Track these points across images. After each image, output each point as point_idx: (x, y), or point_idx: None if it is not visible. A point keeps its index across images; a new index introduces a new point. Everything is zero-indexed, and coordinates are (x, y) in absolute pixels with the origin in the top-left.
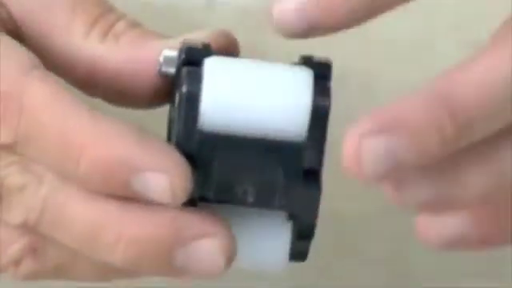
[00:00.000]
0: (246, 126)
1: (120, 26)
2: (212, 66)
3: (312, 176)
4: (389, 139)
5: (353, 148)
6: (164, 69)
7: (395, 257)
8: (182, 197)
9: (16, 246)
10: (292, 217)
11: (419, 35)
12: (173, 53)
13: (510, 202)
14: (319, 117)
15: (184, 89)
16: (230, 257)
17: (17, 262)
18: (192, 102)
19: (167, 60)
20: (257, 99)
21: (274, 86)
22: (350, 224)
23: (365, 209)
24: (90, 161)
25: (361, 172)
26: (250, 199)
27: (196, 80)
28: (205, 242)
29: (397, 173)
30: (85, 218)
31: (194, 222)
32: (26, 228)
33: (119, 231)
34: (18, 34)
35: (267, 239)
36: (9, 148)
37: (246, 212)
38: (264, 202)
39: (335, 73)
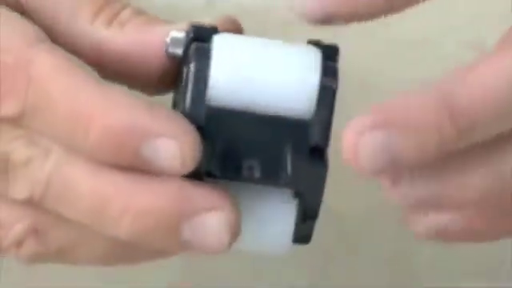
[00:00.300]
0: (253, 101)
1: (125, 13)
2: (221, 42)
3: (318, 153)
4: (387, 135)
5: (351, 142)
6: (171, 49)
7: (397, 257)
8: (191, 164)
9: (18, 226)
10: (297, 195)
11: (420, 34)
12: (180, 34)
13: (503, 202)
14: (326, 95)
15: (193, 64)
16: (235, 233)
17: (19, 244)
18: (200, 76)
19: (174, 41)
20: (265, 75)
21: (282, 62)
22: (352, 223)
23: (367, 208)
24: (100, 130)
25: (358, 165)
26: (257, 175)
27: (205, 55)
28: (211, 216)
29: (394, 169)
30: (91, 190)
31: (201, 194)
32: (31, 205)
33: (126, 203)
34: (24, 16)
35: (272, 219)
36: (15, 121)
37: (251, 190)
38: (270, 178)
39: None
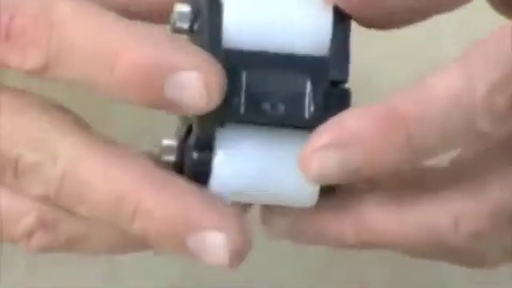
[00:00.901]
0: (269, 42)
1: None
2: None
3: (339, 88)
4: (342, 154)
5: (308, 160)
6: (178, 24)
7: (398, 257)
8: (217, 97)
9: (28, 218)
10: None
11: (420, 33)
12: (186, 8)
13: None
14: (341, 29)
15: (205, 11)
16: (239, 254)
17: (29, 236)
18: (214, 22)
19: (181, 16)
20: (278, 15)
21: (295, 2)
22: None
23: None
24: (126, 65)
25: (316, 182)
26: (280, 112)
27: (216, 3)
28: (214, 235)
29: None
30: (103, 193)
31: (208, 209)
32: (44, 201)
33: (137, 202)
34: None
35: (296, 169)
36: (39, 74)
37: (272, 140)
38: (294, 114)
39: None
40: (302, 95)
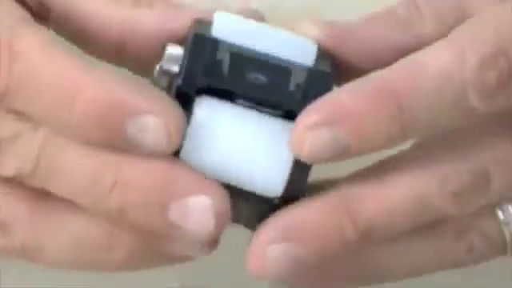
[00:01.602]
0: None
1: None
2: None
3: (321, 69)
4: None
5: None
6: (166, 67)
7: None
8: (177, 141)
9: None
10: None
11: None
12: (178, 50)
13: None
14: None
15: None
16: (222, 219)
17: None
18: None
19: (171, 57)
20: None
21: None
22: None
23: None
24: (86, 102)
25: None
26: (263, 81)
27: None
28: (198, 200)
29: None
30: (81, 164)
31: (190, 177)
32: (22, 180)
33: (115, 175)
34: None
35: (269, 154)
36: (0, 99)
37: (250, 120)
38: (277, 85)
39: None
40: (286, 69)
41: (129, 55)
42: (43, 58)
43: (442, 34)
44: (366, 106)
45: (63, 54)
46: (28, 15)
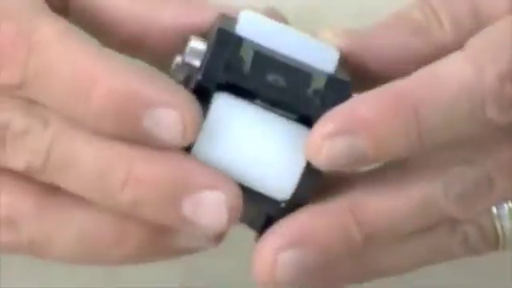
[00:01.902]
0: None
1: None
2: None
3: (339, 78)
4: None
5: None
6: (188, 60)
7: None
8: (192, 135)
9: None
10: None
11: None
12: (201, 45)
13: None
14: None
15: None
16: (235, 214)
17: None
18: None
19: (194, 51)
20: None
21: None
22: None
23: None
24: (102, 95)
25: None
26: (282, 83)
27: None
28: (211, 194)
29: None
30: (93, 158)
31: (203, 172)
32: (31, 174)
33: (128, 171)
34: None
35: (281, 154)
36: (15, 90)
37: (266, 118)
38: (296, 89)
39: None
40: (306, 74)
41: (147, 48)
42: (59, 49)
43: (459, 39)
44: (384, 116)
45: (80, 45)
46: (47, 6)
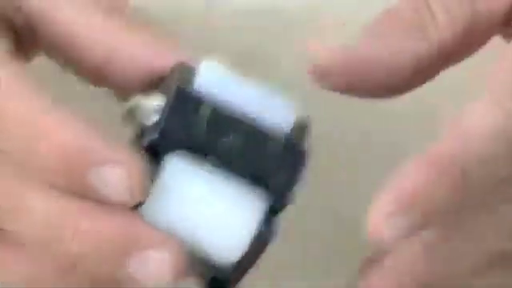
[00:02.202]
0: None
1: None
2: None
3: (297, 147)
4: (410, 216)
5: (377, 227)
6: (143, 120)
7: None
8: (140, 194)
9: None
10: (271, 181)
11: None
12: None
13: None
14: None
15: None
16: (179, 272)
17: None
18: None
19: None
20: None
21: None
22: (351, 225)
23: (366, 209)
24: (52, 145)
25: (383, 239)
26: (238, 144)
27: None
28: (156, 253)
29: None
30: (41, 210)
31: (149, 229)
32: None
33: (75, 225)
34: (29, 23)
35: (231, 218)
36: None
37: (218, 180)
38: (252, 150)
39: None
40: (263, 139)
41: (109, 81)
42: (9, 97)
43: (455, 33)
44: (433, 183)
45: (31, 93)
46: (7, 55)
